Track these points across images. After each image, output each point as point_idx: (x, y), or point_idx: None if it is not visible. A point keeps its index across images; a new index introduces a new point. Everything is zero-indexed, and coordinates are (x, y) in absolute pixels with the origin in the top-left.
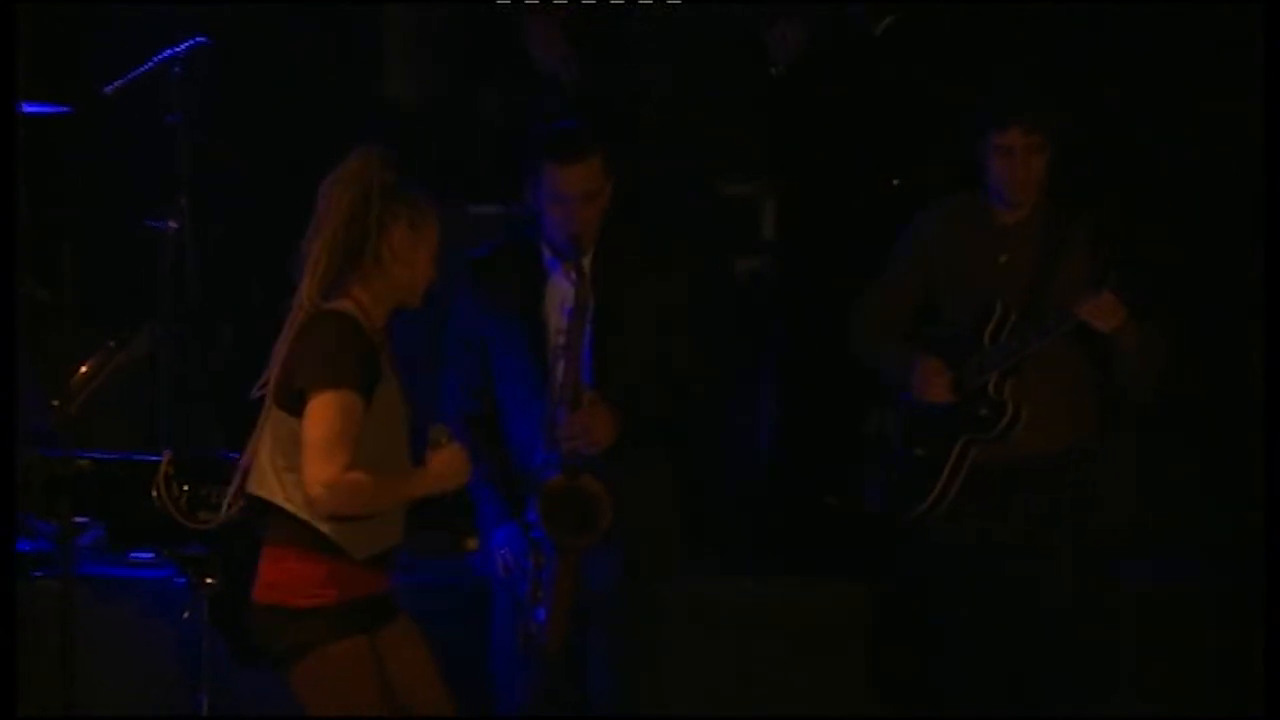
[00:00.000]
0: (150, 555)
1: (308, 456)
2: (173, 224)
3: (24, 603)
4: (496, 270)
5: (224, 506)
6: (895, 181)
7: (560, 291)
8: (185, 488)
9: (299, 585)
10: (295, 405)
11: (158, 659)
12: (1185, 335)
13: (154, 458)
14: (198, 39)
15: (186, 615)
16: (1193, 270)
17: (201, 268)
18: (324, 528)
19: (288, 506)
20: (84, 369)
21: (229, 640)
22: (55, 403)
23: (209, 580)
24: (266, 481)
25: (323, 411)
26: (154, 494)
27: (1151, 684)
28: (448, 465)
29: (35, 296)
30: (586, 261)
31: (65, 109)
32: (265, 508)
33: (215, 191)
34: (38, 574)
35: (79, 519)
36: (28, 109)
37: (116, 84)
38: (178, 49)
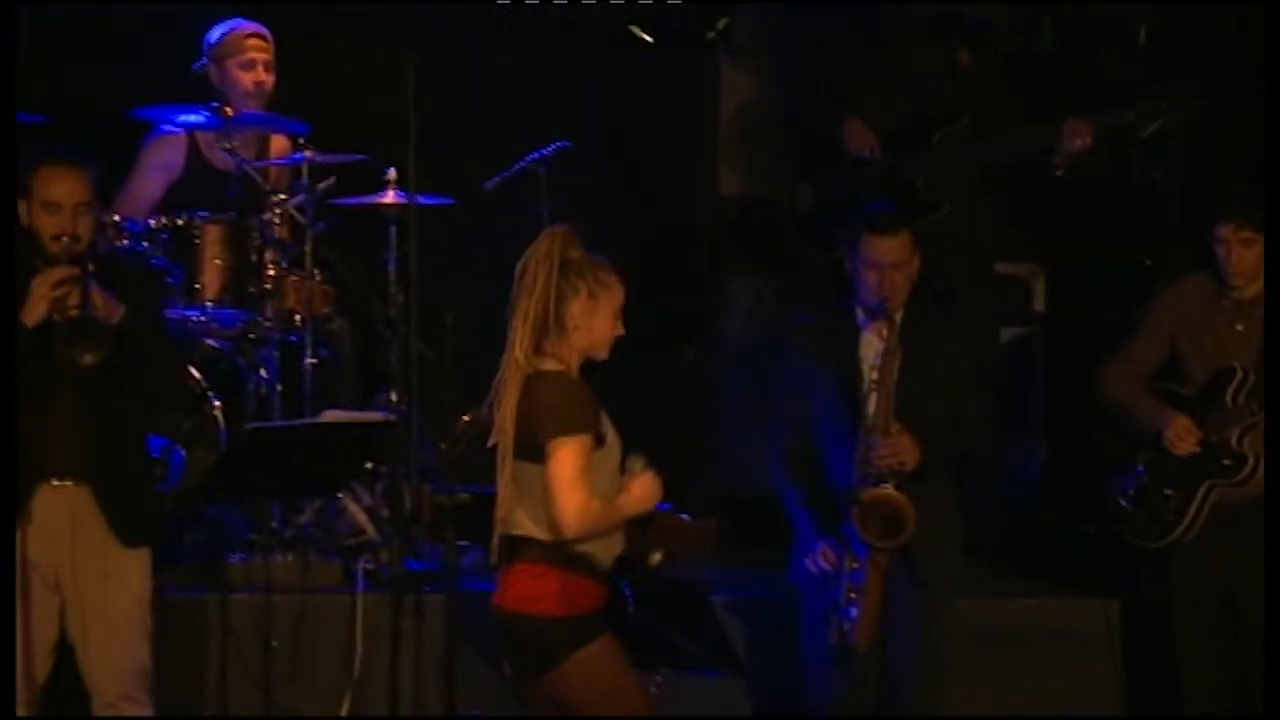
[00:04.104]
0: None
1: (559, 491)
2: None
3: (416, 613)
4: (816, 333)
5: None
6: (1147, 261)
7: (871, 346)
8: None
9: (561, 597)
10: (537, 455)
11: None
12: None
13: None
14: (561, 143)
15: None
16: None
17: None
18: (582, 548)
19: (543, 537)
20: (465, 418)
21: None
22: (442, 445)
23: None
24: (520, 522)
25: (566, 453)
26: None
27: None
28: (644, 489)
29: (424, 356)
30: (898, 320)
31: (450, 200)
32: (518, 542)
33: None
34: (428, 589)
35: (461, 543)
36: (423, 200)
37: (494, 180)
38: (544, 151)
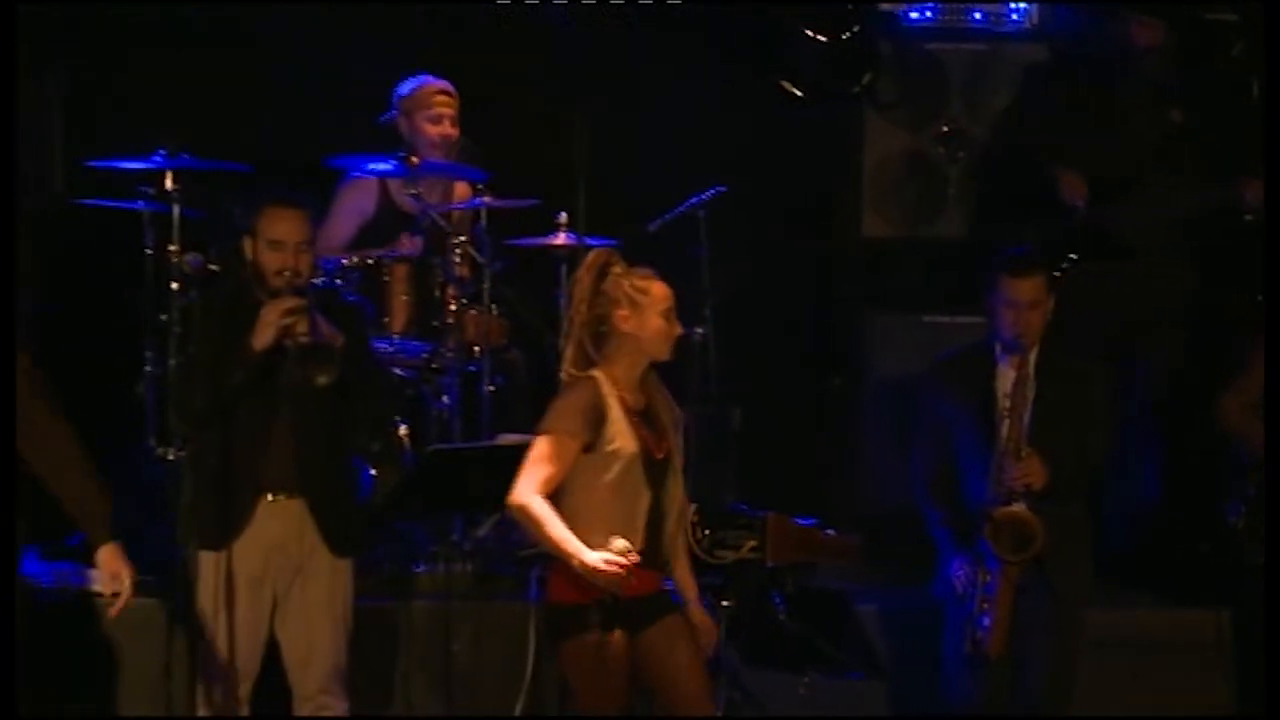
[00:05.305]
0: None
1: (519, 475)
2: (699, 330)
3: None
4: (957, 367)
5: (739, 546)
6: (1259, 297)
7: (1007, 378)
8: (707, 532)
9: (562, 586)
10: None
11: None
12: None
13: None
14: (718, 188)
15: None
16: None
17: (718, 364)
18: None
19: None
20: None
21: (741, 648)
22: None
23: (725, 603)
24: None
25: (538, 445)
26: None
27: None
28: (597, 562)
29: None
30: (1032, 356)
31: (616, 242)
32: None
33: (729, 304)
34: None
35: None
36: (591, 242)
37: (657, 222)
38: (702, 196)
